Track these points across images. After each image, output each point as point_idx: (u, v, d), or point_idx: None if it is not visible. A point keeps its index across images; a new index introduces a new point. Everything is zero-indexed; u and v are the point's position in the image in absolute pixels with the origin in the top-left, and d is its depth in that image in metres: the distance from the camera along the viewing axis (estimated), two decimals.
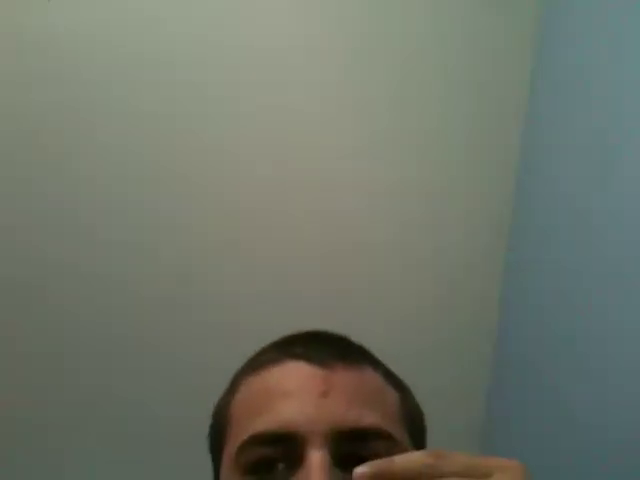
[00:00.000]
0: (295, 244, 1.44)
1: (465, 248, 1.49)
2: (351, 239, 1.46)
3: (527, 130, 1.46)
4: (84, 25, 1.40)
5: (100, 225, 1.41)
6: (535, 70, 1.45)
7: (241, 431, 0.55)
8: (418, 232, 1.48)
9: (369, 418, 0.53)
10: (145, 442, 1.40)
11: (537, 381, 1.30)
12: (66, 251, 1.40)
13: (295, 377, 0.54)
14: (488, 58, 1.49)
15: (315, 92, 1.45)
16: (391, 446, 0.53)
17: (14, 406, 1.37)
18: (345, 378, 0.55)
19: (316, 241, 1.45)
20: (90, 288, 1.40)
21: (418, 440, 0.61)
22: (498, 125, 1.49)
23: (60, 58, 1.39)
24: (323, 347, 0.58)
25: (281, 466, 0.52)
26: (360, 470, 0.42)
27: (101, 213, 1.41)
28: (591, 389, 1.13)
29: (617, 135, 1.17)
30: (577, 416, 1.16)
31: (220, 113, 1.43)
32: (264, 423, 0.53)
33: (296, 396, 0.53)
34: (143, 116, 1.41)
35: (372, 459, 0.44)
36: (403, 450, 0.53)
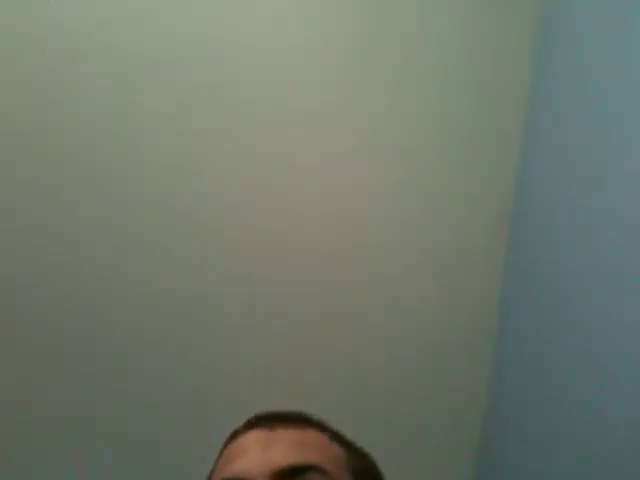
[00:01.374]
0: (295, 244, 1.44)
1: (465, 248, 1.48)
2: (351, 239, 1.46)
3: (527, 130, 1.46)
4: (84, 25, 1.40)
5: (100, 225, 1.41)
6: (535, 70, 1.45)
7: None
8: (418, 232, 1.48)
9: (306, 457, 0.65)
10: (145, 442, 1.40)
11: (537, 381, 1.30)
12: (66, 251, 1.40)
13: (249, 440, 0.70)
14: (488, 58, 1.49)
15: (315, 92, 1.45)
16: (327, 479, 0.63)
17: (14, 406, 1.37)
18: (286, 434, 0.69)
19: (316, 241, 1.45)
20: (90, 288, 1.40)
21: None
22: (498, 125, 1.49)
23: (60, 58, 1.39)
24: (274, 418, 0.72)
25: None
26: None
27: (101, 213, 1.41)
28: (591, 389, 1.13)
29: (617, 135, 1.17)
30: (577, 416, 1.16)
31: (220, 113, 1.43)
32: (227, 472, 0.68)
33: (248, 453, 0.68)
34: (143, 116, 1.41)
35: None
36: None
